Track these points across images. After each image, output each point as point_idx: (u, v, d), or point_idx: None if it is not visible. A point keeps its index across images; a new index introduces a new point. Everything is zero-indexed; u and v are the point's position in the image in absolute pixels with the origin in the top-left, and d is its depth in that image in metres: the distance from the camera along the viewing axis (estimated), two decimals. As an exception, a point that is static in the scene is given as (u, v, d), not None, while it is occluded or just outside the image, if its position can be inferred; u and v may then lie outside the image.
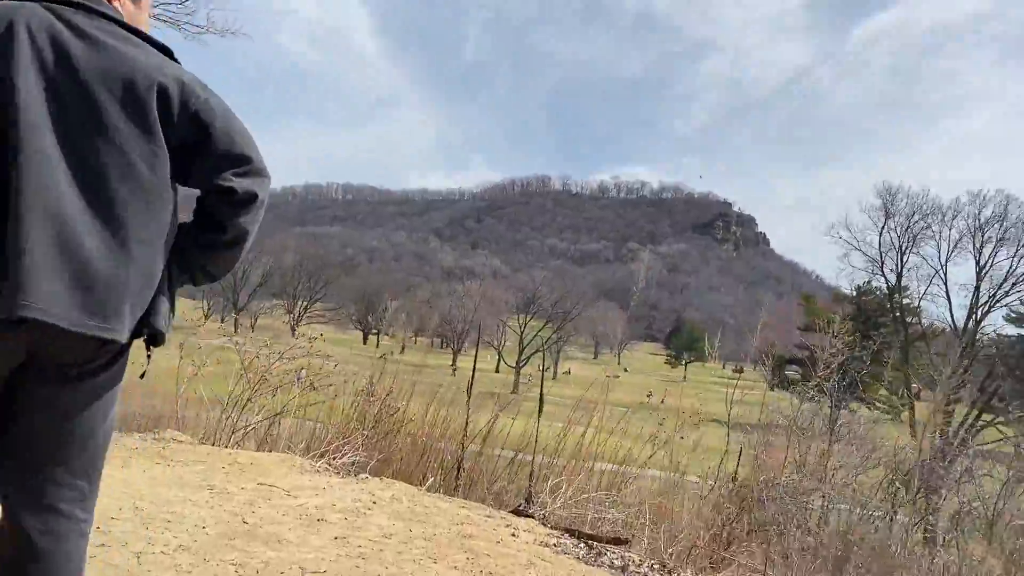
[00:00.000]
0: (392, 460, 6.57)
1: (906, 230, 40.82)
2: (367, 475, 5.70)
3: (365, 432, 6.41)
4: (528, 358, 79.90)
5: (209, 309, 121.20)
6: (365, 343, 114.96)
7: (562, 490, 6.19)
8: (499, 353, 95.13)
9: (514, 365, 76.89)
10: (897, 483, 13.14)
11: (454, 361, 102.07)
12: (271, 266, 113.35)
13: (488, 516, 4.58)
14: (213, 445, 6.07)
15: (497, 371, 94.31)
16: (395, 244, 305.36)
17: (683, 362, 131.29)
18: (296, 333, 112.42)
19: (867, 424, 13.45)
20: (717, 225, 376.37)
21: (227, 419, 6.37)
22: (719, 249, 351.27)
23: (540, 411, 6.27)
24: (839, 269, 46.90)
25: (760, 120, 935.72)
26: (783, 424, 14.45)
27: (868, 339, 62.33)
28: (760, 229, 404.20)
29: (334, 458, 6.04)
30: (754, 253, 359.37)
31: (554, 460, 7.39)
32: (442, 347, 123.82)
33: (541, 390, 6.58)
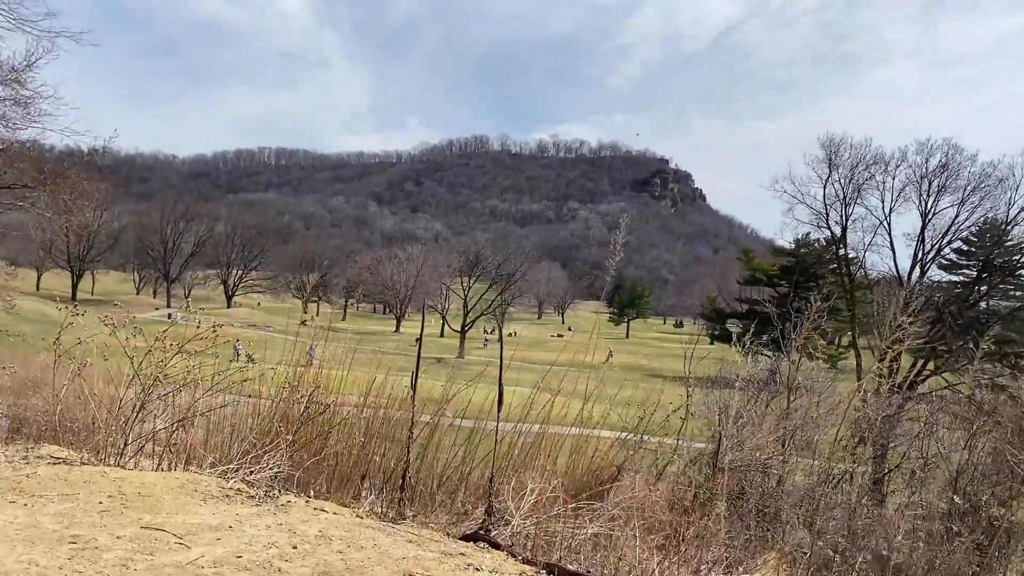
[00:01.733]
0: (322, 468, 5.57)
1: (850, 181, 40.87)
2: (290, 495, 4.69)
3: (288, 438, 5.37)
4: (473, 321, 78.94)
5: (140, 281, 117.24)
6: (305, 311, 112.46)
7: (527, 492, 5.28)
8: (443, 317, 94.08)
9: (459, 329, 75.86)
10: (856, 440, 12.75)
11: (397, 327, 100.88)
12: (203, 235, 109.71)
13: (443, 553, 3.63)
14: (100, 462, 4.96)
15: (442, 335, 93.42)
16: (333, 210, 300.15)
17: (626, 319, 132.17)
18: (232, 303, 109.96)
19: (825, 379, 12.90)
20: (655, 182, 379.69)
21: (123, 424, 5.26)
22: (657, 206, 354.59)
23: (500, 399, 5.32)
24: (783, 223, 47.02)
25: (693, 75, 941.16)
26: (740, 380, 13.83)
27: (806, 290, 63.17)
28: (697, 185, 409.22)
29: (251, 471, 5.00)
30: (691, 209, 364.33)
31: (513, 449, 6.50)
32: (385, 313, 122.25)
33: (501, 368, 5.61)
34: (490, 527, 4.83)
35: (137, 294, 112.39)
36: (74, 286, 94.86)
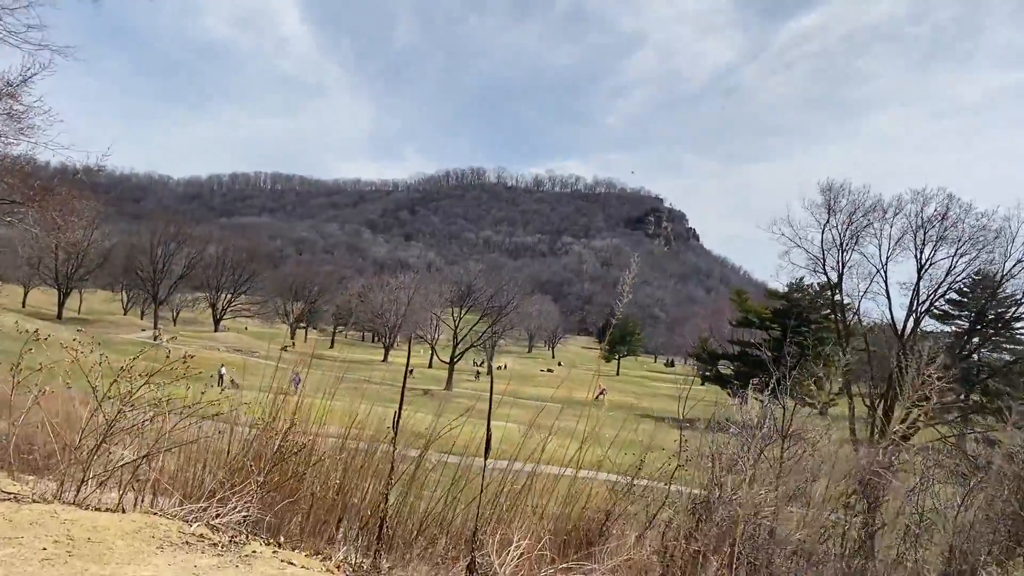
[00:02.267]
0: (296, 510, 5.21)
1: (847, 227, 40.89)
2: (257, 544, 4.35)
3: (259, 479, 5.02)
4: (462, 353, 78.40)
5: (128, 302, 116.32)
6: (292, 337, 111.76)
7: (512, 547, 4.95)
8: (432, 348, 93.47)
9: (448, 360, 75.30)
10: (850, 491, 12.42)
11: (385, 356, 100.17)
12: (194, 258, 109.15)
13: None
14: (55, 498, 4.61)
15: (430, 366, 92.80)
16: (326, 235, 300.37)
17: (616, 356, 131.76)
18: (220, 327, 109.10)
19: (818, 426, 12.60)
20: (649, 220, 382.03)
21: (83, 455, 4.92)
22: (651, 244, 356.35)
23: (488, 444, 5.00)
24: (779, 266, 47.05)
25: (689, 116, 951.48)
26: (735, 424, 13.53)
27: (799, 335, 62.90)
28: (690, 225, 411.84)
29: (217, 514, 4.65)
30: (685, 248, 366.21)
31: (499, 496, 6.15)
32: (374, 341, 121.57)
33: (490, 410, 5.29)
34: (472, 582, 4.49)
35: (125, 314, 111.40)
36: (60, 304, 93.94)
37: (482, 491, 5.00)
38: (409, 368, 5.61)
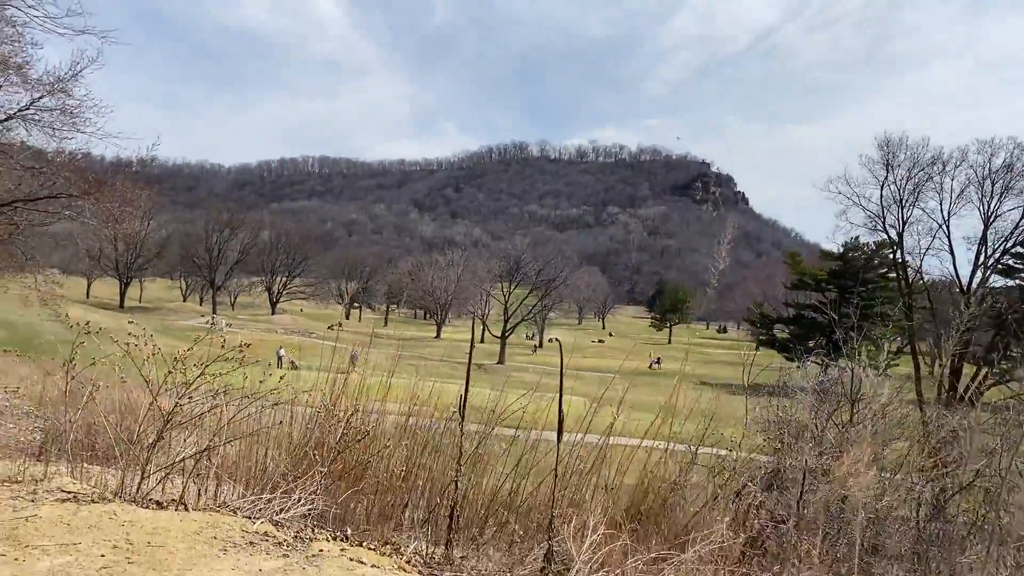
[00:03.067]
0: (361, 498, 5.00)
1: (907, 183, 39.25)
2: (324, 540, 4.13)
3: (323, 469, 4.81)
4: (513, 327, 78.34)
5: (187, 289, 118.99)
6: (347, 318, 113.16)
7: (590, 532, 4.65)
8: (483, 323, 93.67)
9: (499, 335, 75.31)
10: (925, 453, 11.84)
11: (438, 333, 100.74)
12: (248, 243, 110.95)
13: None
14: (116, 495, 4.46)
15: (482, 341, 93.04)
16: (374, 216, 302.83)
17: (668, 324, 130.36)
18: (276, 310, 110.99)
19: (886, 389, 11.99)
20: (696, 186, 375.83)
21: (145, 449, 4.77)
22: (699, 210, 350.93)
23: (560, 428, 4.68)
24: (836, 226, 45.53)
25: (732, 78, 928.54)
26: (800, 389, 13.04)
27: (856, 295, 61.51)
28: (739, 188, 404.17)
29: (280, 509, 4.45)
30: (734, 212, 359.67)
31: (569, 472, 5.86)
32: (426, 318, 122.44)
33: (560, 389, 4.98)
34: (549, 575, 4.21)
35: (184, 301, 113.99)
36: (122, 294, 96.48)
37: (556, 475, 4.70)
38: (474, 345, 5.32)
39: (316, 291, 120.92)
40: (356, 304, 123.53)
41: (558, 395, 5.08)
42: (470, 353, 5.57)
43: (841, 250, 68.38)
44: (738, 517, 8.14)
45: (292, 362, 36.41)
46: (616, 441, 6.85)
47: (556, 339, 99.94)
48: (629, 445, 7.12)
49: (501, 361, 68.38)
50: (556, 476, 4.73)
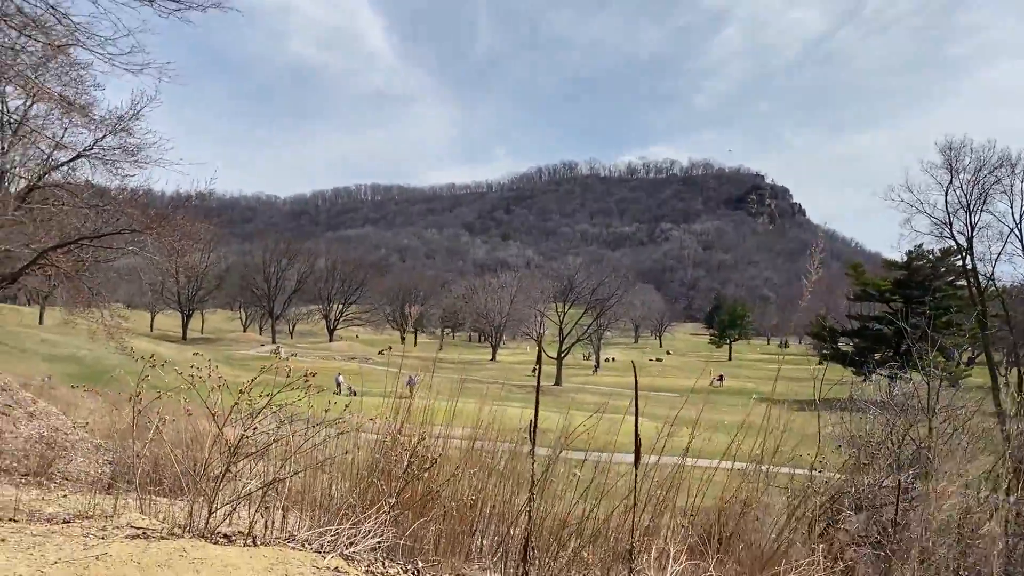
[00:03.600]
0: (428, 528, 4.82)
1: (974, 187, 37.93)
2: (396, 571, 3.96)
3: (391, 500, 4.64)
4: (569, 348, 77.87)
5: (247, 319, 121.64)
6: (403, 343, 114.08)
7: (670, 560, 4.38)
8: (539, 344, 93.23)
9: (555, 356, 74.93)
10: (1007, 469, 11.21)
11: (493, 355, 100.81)
12: (305, 272, 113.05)
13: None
14: (184, 530, 4.36)
15: (538, 362, 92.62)
16: (426, 241, 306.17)
17: (727, 340, 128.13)
18: (334, 336, 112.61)
19: (964, 401, 11.36)
20: (751, 199, 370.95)
21: (210, 481, 4.69)
22: (754, 223, 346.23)
23: (637, 454, 4.44)
24: (901, 235, 43.86)
25: (785, 87, 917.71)
26: (872, 404, 12.50)
27: (923, 305, 59.35)
28: (795, 200, 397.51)
29: (350, 542, 4.29)
30: (790, 224, 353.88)
31: (646, 501, 5.57)
32: (480, 341, 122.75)
33: (636, 413, 4.74)
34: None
35: (244, 331, 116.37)
36: (184, 326, 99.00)
37: (635, 500, 4.44)
38: (534, 368, 5.13)
39: (371, 317, 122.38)
40: (411, 329, 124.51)
41: (634, 416, 4.83)
42: (538, 375, 5.37)
43: (905, 259, 66.49)
44: (823, 541, 7.74)
45: (351, 388, 36.68)
46: (688, 463, 6.58)
47: (612, 359, 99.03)
48: (702, 466, 6.82)
49: (558, 382, 67.93)
50: (635, 501, 4.47)
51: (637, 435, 4.33)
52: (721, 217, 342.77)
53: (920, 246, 62.32)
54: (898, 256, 65.92)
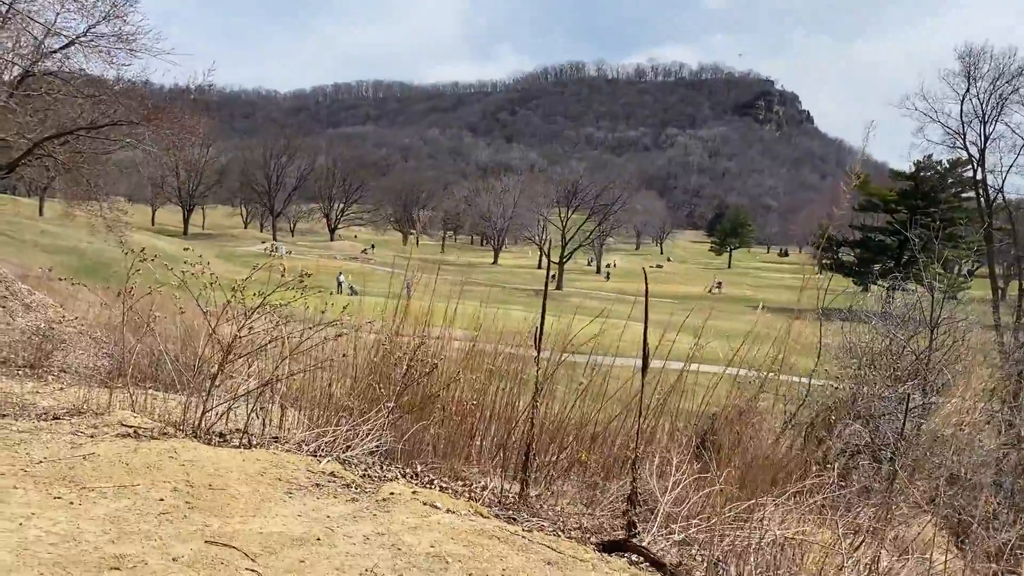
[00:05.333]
0: (427, 434, 4.75)
1: (991, 96, 36.90)
2: (394, 480, 3.88)
3: (389, 404, 4.55)
4: (571, 253, 77.76)
5: (247, 216, 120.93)
6: (405, 244, 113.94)
7: (673, 469, 4.31)
8: (541, 249, 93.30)
9: (557, 261, 74.89)
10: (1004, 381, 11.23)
11: (495, 259, 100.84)
12: (305, 170, 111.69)
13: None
14: (177, 428, 4.27)
15: (539, 267, 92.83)
16: (429, 141, 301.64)
17: (728, 248, 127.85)
18: (335, 236, 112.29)
19: (966, 314, 11.25)
20: (758, 105, 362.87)
21: (206, 379, 4.59)
22: (761, 130, 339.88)
23: (645, 361, 4.30)
24: (912, 144, 42.96)
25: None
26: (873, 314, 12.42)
27: (927, 216, 58.96)
28: (803, 107, 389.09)
29: (347, 446, 4.22)
30: (798, 132, 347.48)
31: (648, 407, 5.50)
32: (482, 244, 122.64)
33: (646, 315, 4.59)
34: (634, 520, 3.90)
35: (245, 228, 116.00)
36: (186, 221, 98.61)
37: (641, 407, 4.34)
38: (551, 274, 4.95)
39: (373, 217, 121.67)
40: (412, 231, 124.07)
41: (639, 323, 4.68)
42: (546, 280, 5.21)
43: (912, 170, 65.48)
44: (820, 449, 7.75)
45: (352, 288, 36.67)
46: (673, 366, 6.54)
47: (612, 264, 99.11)
48: (697, 372, 6.76)
49: (559, 287, 68.14)
50: (642, 410, 4.37)
51: (646, 342, 4.18)
52: (728, 123, 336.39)
53: (929, 156, 61.26)
54: (906, 167, 64.92)
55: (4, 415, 4.60)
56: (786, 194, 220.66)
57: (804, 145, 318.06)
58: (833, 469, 5.08)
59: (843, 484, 6.38)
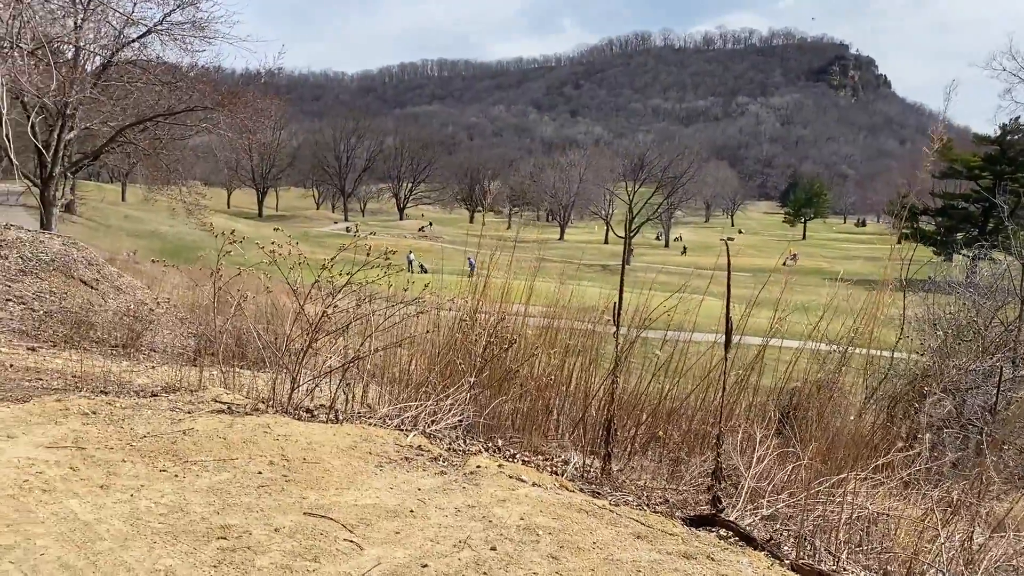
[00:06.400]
0: (506, 409, 4.80)
1: (1088, 53, 34.80)
2: (479, 453, 3.95)
3: (470, 379, 4.61)
4: (638, 227, 76.93)
5: (319, 197, 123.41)
6: (471, 222, 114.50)
7: (757, 445, 4.25)
8: (607, 223, 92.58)
9: (623, 235, 74.19)
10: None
11: (561, 235, 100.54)
12: (374, 150, 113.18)
13: (685, 555, 2.69)
14: (267, 405, 4.42)
15: (606, 242, 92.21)
16: (493, 119, 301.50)
17: (802, 219, 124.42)
18: (403, 215, 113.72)
19: None
20: (833, 70, 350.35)
21: (292, 356, 4.73)
22: (836, 96, 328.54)
23: (728, 335, 4.25)
24: (999, 107, 40.67)
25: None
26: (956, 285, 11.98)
27: (1014, 182, 56.16)
28: (880, 71, 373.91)
29: (432, 420, 4.30)
30: (875, 97, 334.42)
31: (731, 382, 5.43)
32: (548, 220, 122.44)
33: (728, 287, 4.54)
34: (719, 495, 3.87)
35: (317, 209, 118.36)
36: (260, 203, 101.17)
37: (724, 384, 4.29)
38: (631, 249, 4.91)
39: (440, 196, 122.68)
40: (479, 208, 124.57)
41: (718, 297, 4.62)
42: (624, 254, 5.19)
43: (998, 133, 62.46)
44: (904, 424, 7.54)
45: (422, 266, 37.14)
46: (752, 341, 6.44)
47: (679, 237, 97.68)
48: (775, 347, 6.63)
49: (627, 262, 67.61)
50: (724, 385, 4.32)
51: (728, 317, 4.13)
52: (801, 90, 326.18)
53: (1017, 119, 58.41)
54: (992, 131, 61.96)
55: (107, 392, 4.83)
56: (863, 162, 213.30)
57: (881, 110, 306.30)
58: (923, 444, 4.94)
59: (932, 458, 6.21)
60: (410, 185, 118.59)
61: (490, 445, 4.48)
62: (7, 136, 24.84)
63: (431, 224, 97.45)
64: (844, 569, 2.99)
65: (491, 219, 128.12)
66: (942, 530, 3.54)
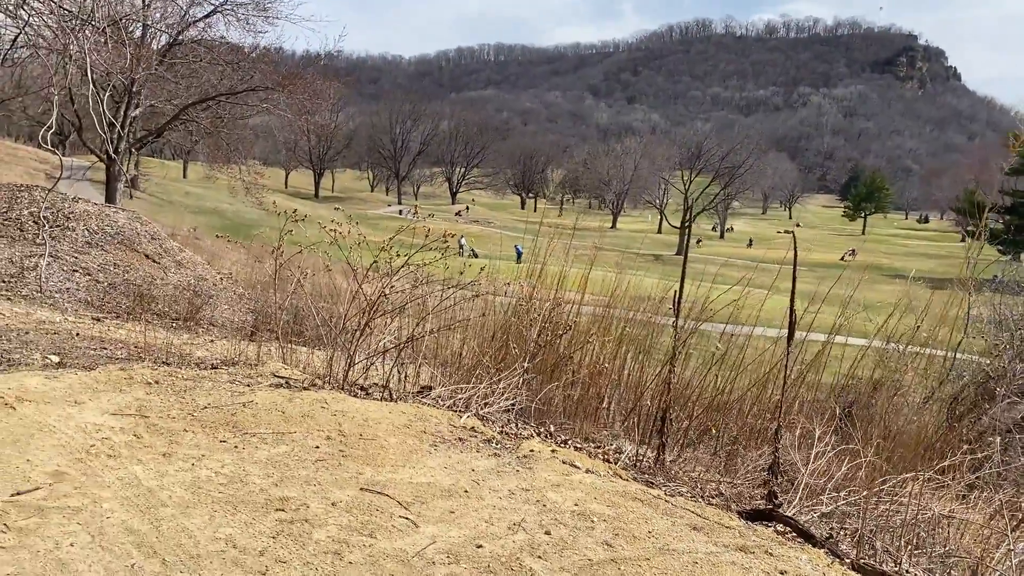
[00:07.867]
0: (558, 394, 4.78)
1: None
2: (532, 438, 3.94)
3: (524, 364, 4.60)
4: (694, 217, 75.94)
5: (374, 179, 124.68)
6: (523, 207, 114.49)
7: (816, 441, 4.16)
8: (661, 213, 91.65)
9: (678, 225, 73.39)
10: None
11: (614, 223, 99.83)
12: (429, 134, 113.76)
13: (742, 549, 2.65)
14: (323, 384, 4.48)
15: (659, 231, 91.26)
16: (549, 104, 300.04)
17: (862, 214, 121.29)
18: (456, 200, 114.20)
19: None
20: (900, 61, 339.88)
21: (351, 335, 4.78)
22: (902, 88, 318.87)
23: (792, 327, 4.15)
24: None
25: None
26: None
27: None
28: (950, 63, 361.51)
29: (485, 403, 4.31)
30: (943, 90, 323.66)
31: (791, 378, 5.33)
32: (600, 208, 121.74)
33: (794, 280, 4.44)
34: (775, 489, 3.80)
35: (372, 191, 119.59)
36: (316, 184, 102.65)
37: (785, 380, 4.20)
38: (697, 239, 4.84)
39: (493, 181, 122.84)
40: (531, 194, 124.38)
41: (791, 291, 4.51)
42: (686, 244, 5.14)
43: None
44: (966, 426, 7.32)
45: (473, 250, 37.25)
46: (817, 339, 6.32)
47: (731, 228, 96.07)
48: (834, 343, 6.50)
49: (679, 252, 66.87)
50: (785, 378, 4.23)
51: (792, 311, 4.03)
52: (866, 81, 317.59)
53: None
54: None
55: (168, 363, 4.95)
56: (929, 156, 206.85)
57: (950, 104, 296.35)
58: (993, 447, 4.77)
59: (1002, 463, 6.01)
60: (463, 170, 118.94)
61: (541, 430, 4.47)
62: (76, 112, 25.63)
63: (468, 207, 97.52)
64: (906, 571, 2.91)
65: (542, 206, 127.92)
66: (1011, 535, 3.42)
